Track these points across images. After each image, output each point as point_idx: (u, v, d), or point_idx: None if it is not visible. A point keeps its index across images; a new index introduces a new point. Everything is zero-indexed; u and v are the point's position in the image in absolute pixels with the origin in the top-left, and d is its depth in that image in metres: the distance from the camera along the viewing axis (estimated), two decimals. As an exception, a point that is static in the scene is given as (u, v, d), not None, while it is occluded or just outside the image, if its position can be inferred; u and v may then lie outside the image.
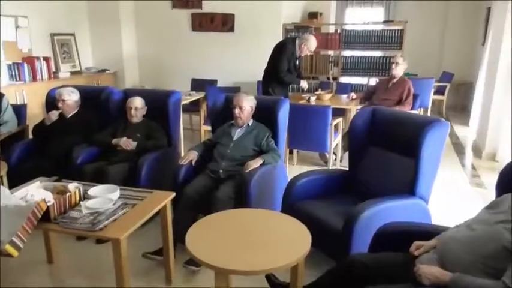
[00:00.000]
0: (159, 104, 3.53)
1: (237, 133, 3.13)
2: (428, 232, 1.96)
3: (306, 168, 4.51)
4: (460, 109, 7.90)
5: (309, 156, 4.98)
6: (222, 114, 3.37)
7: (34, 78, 5.26)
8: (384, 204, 2.37)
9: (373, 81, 5.93)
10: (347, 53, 5.98)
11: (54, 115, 3.56)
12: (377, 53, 6.10)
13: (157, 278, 2.55)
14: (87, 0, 6.27)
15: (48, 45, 5.76)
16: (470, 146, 5.66)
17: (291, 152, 4.62)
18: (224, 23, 6.15)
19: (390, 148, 2.72)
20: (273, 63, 4.71)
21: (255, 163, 2.91)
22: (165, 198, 2.35)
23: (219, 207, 2.68)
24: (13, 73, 5.06)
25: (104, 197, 2.25)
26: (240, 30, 6.15)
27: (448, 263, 1.65)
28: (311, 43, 4.67)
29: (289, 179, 2.86)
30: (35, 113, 4.68)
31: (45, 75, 5.42)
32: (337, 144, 4.48)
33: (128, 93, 3.69)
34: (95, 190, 2.34)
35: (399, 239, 2.02)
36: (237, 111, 3.06)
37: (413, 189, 2.50)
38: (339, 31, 5.99)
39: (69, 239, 2.91)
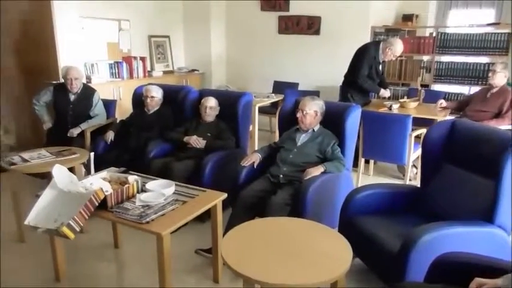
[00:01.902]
0: (231, 105, 3.59)
1: (301, 138, 3.04)
2: (500, 269, 1.67)
3: (381, 180, 4.24)
4: None
5: (388, 167, 4.65)
6: (291, 118, 3.29)
7: (131, 76, 5.74)
8: (450, 229, 2.09)
9: (475, 90, 5.33)
10: (444, 58, 5.47)
11: (108, 137, 3.80)
12: (480, 59, 5.47)
13: (205, 276, 2.58)
14: (182, 5, 6.66)
15: (146, 46, 6.24)
16: None
17: (367, 162, 4.36)
18: (310, 25, 6.05)
19: (468, 167, 2.40)
20: (352, 68, 4.51)
21: (316, 170, 2.79)
22: (216, 198, 2.37)
23: (274, 211, 2.63)
24: (113, 71, 5.57)
25: (158, 191, 2.34)
26: (325, 33, 5.99)
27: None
28: (396, 47, 4.35)
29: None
30: (128, 107, 5.07)
31: (141, 74, 5.88)
32: (418, 157, 4.10)
33: (203, 93, 3.82)
34: (152, 184, 2.45)
35: (461, 271, 1.75)
36: (299, 115, 2.98)
37: (491, 216, 2.17)
38: (434, 34, 5.50)
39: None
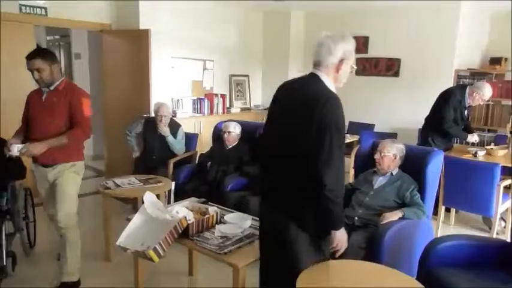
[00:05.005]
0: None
1: (378, 181, 2.99)
2: None
3: (463, 231, 3.97)
4: None
5: (472, 218, 4.33)
6: (367, 160, 3.26)
7: (211, 112, 6.09)
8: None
9: None
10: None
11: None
12: None
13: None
14: (263, 48, 7.02)
15: (226, 84, 6.61)
16: None
17: (447, 210, 4.12)
18: (389, 67, 6.01)
19: None
20: (436, 111, 4.37)
21: (393, 215, 2.72)
22: (290, 236, 2.39)
23: (347, 254, 2.57)
24: (196, 107, 5.96)
25: (236, 224, 2.44)
26: (405, 75, 5.91)
27: None
28: (485, 91, 4.17)
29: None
30: (206, 141, 5.36)
31: (220, 110, 6.21)
32: (507, 209, 3.79)
33: (280, 131, 3.94)
34: (230, 216, 2.56)
35: None
36: (377, 156, 2.94)
37: None
38: (525, 79, 5.18)
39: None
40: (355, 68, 1.97)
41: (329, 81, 1.89)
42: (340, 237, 1.91)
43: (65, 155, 2.80)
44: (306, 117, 1.78)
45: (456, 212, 4.28)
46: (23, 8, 4.43)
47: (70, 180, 2.83)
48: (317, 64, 1.90)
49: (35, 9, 4.52)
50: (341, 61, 1.87)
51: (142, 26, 4.93)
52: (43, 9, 4.57)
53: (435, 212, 3.71)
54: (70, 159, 2.84)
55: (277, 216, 1.90)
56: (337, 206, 1.80)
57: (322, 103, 1.77)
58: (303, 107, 1.82)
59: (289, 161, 1.85)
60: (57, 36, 7.39)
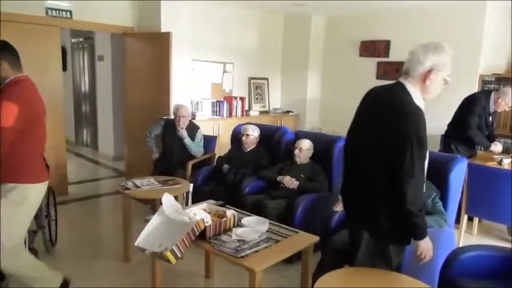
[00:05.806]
0: (325, 148, 3.62)
1: (398, 188, 2.93)
2: None
3: (486, 241, 3.87)
4: None
5: (495, 228, 4.21)
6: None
7: (230, 114, 6.11)
8: None
9: None
10: None
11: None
12: None
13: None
14: (282, 52, 7.01)
15: (246, 87, 6.63)
16: None
17: (470, 219, 4.01)
18: (411, 72, 5.91)
19: None
20: (459, 118, 4.27)
21: (414, 223, 2.65)
22: (308, 241, 2.38)
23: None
24: (215, 109, 5.99)
25: (253, 227, 2.43)
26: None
27: None
28: (511, 97, 4.05)
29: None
30: (225, 143, 5.37)
31: (239, 113, 6.22)
32: (533, 220, 3.67)
33: (299, 135, 3.92)
34: (247, 220, 2.55)
35: None
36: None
37: None
38: (555, 85, 4.99)
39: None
40: (449, 80, 1.90)
41: (415, 91, 1.87)
42: (424, 247, 1.93)
43: (4, 173, 2.19)
44: (388, 129, 1.80)
45: (479, 221, 4.17)
46: (49, 11, 4.54)
47: (4, 206, 2.20)
48: (406, 73, 1.90)
49: (60, 12, 4.63)
50: (429, 71, 1.84)
51: (163, 29, 4.99)
52: (68, 13, 4.68)
53: (457, 221, 3.62)
54: (11, 179, 2.21)
55: (352, 225, 1.99)
56: (419, 218, 1.83)
57: (403, 116, 1.77)
58: (385, 119, 1.83)
59: (369, 171, 1.88)
60: (81, 39, 7.56)
